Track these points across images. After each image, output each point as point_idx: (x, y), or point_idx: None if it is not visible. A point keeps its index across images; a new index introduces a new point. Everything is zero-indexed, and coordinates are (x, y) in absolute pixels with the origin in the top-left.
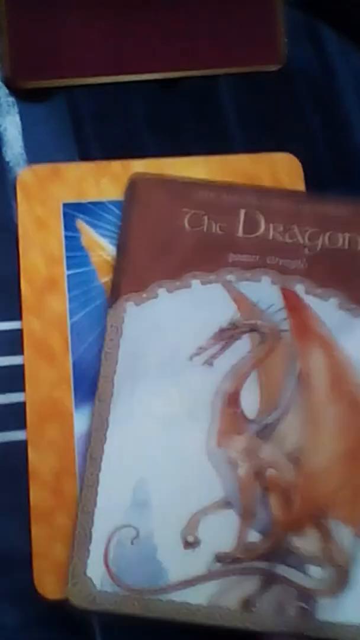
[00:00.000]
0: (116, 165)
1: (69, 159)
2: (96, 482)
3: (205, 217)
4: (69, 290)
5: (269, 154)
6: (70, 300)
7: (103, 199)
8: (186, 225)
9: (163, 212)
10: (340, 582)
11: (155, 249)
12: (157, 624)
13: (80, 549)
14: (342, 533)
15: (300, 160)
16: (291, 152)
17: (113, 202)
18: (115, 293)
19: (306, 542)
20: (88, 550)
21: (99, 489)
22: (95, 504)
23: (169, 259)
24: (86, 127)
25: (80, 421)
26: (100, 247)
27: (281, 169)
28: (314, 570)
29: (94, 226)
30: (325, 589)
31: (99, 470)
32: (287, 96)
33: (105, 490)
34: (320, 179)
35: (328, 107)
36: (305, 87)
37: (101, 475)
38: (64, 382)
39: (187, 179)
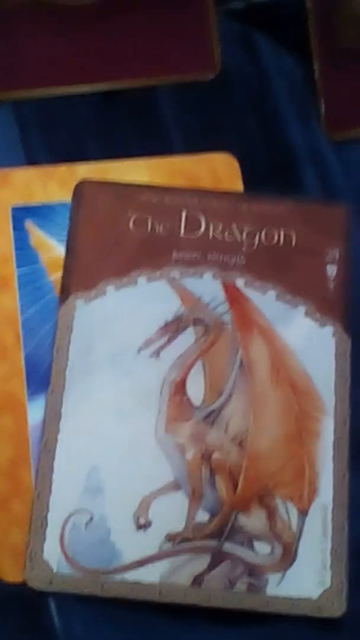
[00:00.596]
0: (62, 169)
1: (17, 164)
2: (51, 470)
3: (149, 219)
4: (20, 288)
5: (207, 154)
6: (21, 297)
7: (50, 201)
8: (131, 226)
9: (109, 215)
10: (286, 557)
11: (102, 249)
12: (113, 604)
13: (36, 533)
14: (287, 510)
15: (239, 160)
16: (229, 150)
17: (60, 204)
18: (65, 292)
19: (253, 520)
20: (44, 535)
21: (54, 476)
22: (50, 491)
23: (115, 258)
24: (33, 134)
25: (33, 412)
26: (49, 246)
27: (220, 168)
28: (262, 547)
29: (42, 227)
30: (272, 565)
31: (53, 459)
32: (224, 100)
33: (60, 478)
34: (258, 177)
35: (263, 109)
36: (241, 91)
37: (55, 464)
38: (17, 375)
39: (131, 183)
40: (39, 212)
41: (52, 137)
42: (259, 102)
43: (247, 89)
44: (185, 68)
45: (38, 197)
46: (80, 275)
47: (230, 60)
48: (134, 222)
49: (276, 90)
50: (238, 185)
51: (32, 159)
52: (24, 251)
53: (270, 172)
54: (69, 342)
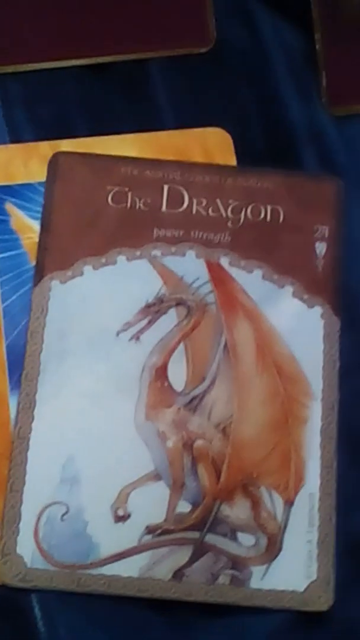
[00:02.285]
0: (44, 147)
1: (0, 142)
2: (24, 460)
3: (129, 194)
4: (0, 275)
5: (199, 129)
6: (1, 284)
7: (32, 180)
8: (110, 201)
9: (86, 189)
10: (272, 549)
11: (79, 226)
12: (92, 599)
13: (9, 527)
14: (272, 500)
15: (234, 137)
16: (224, 127)
17: (42, 184)
18: (39, 272)
19: (237, 511)
20: (18, 528)
21: (28, 467)
22: (24, 482)
23: (93, 236)
24: (16, 110)
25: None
26: (31, 229)
27: (212, 144)
28: (245, 539)
29: (23, 208)
30: (257, 557)
31: (27, 448)
32: (219, 73)
33: (34, 468)
34: (254, 155)
35: (261, 84)
36: (237, 63)
37: (29, 454)
38: None
39: (110, 156)
40: (20, 193)
41: (37, 114)
42: (257, 76)
43: (244, 62)
44: (178, 40)
45: (19, 177)
46: (56, 254)
47: (227, 32)
48: (112, 197)
49: (275, 64)
50: (231, 162)
51: (16, 137)
52: (5, 235)
53: (268, 149)
54: (44, 325)
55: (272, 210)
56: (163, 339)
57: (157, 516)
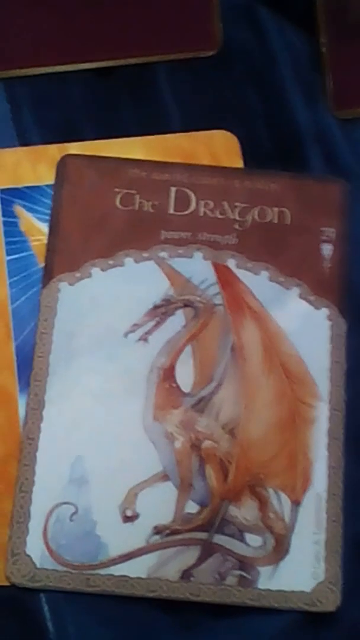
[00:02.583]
0: (53, 150)
1: (9, 145)
2: (33, 460)
3: (137, 196)
4: (9, 276)
5: (206, 132)
6: (10, 286)
7: (40, 183)
8: (118, 204)
9: (94, 192)
10: (279, 550)
11: (87, 229)
12: (100, 599)
13: (18, 527)
14: (280, 501)
15: (241, 139)
16: (231, 130)
17: (50, 186)
18: (48, 273)
19: (244, 512)
20: (27, 529)
21: (37, 467)
22: (33, 483)
23: (101, 238)
24: (25, 114)
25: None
26: (39, 231)
27: (219, 147)
28: (253, 539)
29: (32, 211)
30: (264, 557)
31: (36, 449)
32: (226, 77)
33: (43, 469)
34: (261, 157)
35: (266, 86)
36: (243, 67)
37: (38, 454)
38: (7, 368)
39: (117, 158)
40: (29, 195)
41: (45, 117)
42: (263, 79)
43: (250, 65)
44: (185, 44)
45: (27, 179)
46: (64, 256)
47: (233, 35)
48: (120, 199)
49: (281, 67)
50: (238, 164)
51: (24, 140)
52: (14, 237)
53: (275, 152)
54: (53, 326)
55: (278, 212)
56: (170, 340)
57: (165, 517)
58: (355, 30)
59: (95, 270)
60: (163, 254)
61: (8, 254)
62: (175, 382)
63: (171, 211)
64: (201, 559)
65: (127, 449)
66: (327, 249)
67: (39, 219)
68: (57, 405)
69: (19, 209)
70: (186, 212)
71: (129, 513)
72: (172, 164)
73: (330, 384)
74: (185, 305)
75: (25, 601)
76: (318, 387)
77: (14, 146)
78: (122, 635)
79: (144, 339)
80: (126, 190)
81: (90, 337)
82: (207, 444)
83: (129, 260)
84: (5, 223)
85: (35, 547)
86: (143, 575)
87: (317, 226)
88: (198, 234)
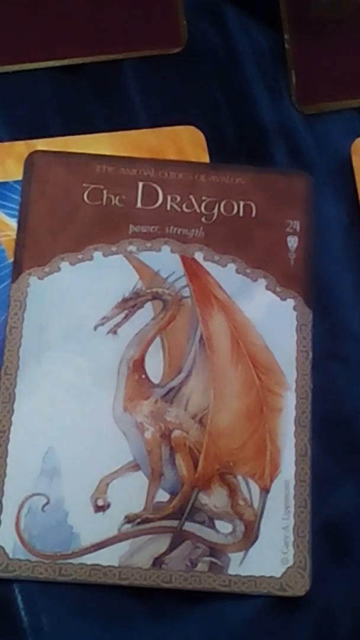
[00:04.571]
0: (20, 146)
1: None
2: (5, 453)
3: (105, 191)
4: None
5: (172, 127)
6: None
7: (8, 179)
8: (86, 199)
9: (62, 187)
10: (249, 536)
11: (55, 223)
12: (73, 588)
13: None
14: (249, 488)
15: (207, 135)
16: (196, 126)
17: (19, 182)
18: (17, 268)
19: (214, 499)
20: None
21: (8, 459)
22: (4, 475)
23: (69, 232)
24: None
25: None
26: (8, 227)
27: (185, 142)
28: (223, 526)
29: (0, 207)
30: (234, 544)
31: (7, 441)
32: (191, 73)
33: (14, 461)
34: (227, 152)
35: (231, 83)
36: (208, 63)
37: (10, 446)
38: None
39: (85, 154)
40: None
41: (12, 114)
42: (227, 75)
43: (214, 62)
44: (150, 41)
45: None
46: (33, 251)
47: (197, 32)
48: (88, 194)
49: (245, 63)
50: (204, 159)
51: None
52: None
53: (240, 147)
54: (23, 320)
55: (244, 206)
56: (140, 332)
57: (136, 505)
58: (318, 26)
59: (65, 265)
60: (131, 248)
61: None
62: (145, 373)
63: (139, 205)
64: (172, 547)
65: (98, 440)
66: (292, 241)
67: (7, 214)
68: (28, 398)
69: None
70: (154, 207)
71: (100, 503)
72: (139, 159)
73: (297, 373)
74: (154, 298)
75: None
76: (285, 376)
77: None
78: (96, 624)
79: (113, 331)
80: (94, 186)
81: (60, 331)
82: (176, 433)
83: (97, 255)
84: None
85: (7, 538)
86: (115, 564)
87: (283, 219)
88: (166, 228)
